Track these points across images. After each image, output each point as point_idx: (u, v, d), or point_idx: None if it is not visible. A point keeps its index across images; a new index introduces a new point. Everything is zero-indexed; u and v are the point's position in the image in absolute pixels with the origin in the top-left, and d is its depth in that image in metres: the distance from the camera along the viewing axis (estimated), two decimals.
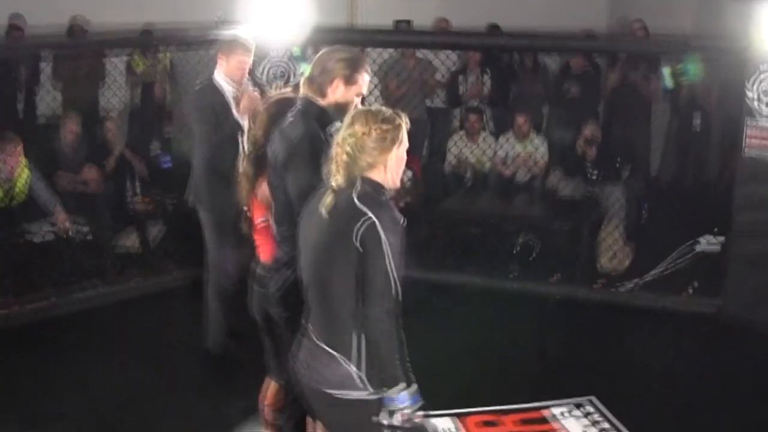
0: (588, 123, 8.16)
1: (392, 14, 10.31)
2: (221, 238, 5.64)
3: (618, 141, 8.50)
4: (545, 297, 7.02)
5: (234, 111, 5.53)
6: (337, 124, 3.82)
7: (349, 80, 3.74)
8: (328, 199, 3.04)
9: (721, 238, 7.04)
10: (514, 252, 7.49)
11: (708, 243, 7.29)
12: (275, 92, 4.22)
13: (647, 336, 6.40)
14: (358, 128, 3.07)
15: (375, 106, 3.18)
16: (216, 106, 5.49)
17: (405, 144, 3.13)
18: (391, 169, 3.09)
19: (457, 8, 10.19)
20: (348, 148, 3.05)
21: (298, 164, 3.56)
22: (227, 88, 5.56)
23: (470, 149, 8.66)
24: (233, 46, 5.57)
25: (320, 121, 3.69)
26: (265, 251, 4.07)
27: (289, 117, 3.77)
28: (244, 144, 4.40)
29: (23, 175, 7.06)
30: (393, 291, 2.95)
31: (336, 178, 3.06)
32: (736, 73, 6.62)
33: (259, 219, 4.08)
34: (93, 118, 8.68)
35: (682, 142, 9.42)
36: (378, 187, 3.07)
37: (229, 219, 5.48)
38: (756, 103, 6.25)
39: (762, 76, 6.18)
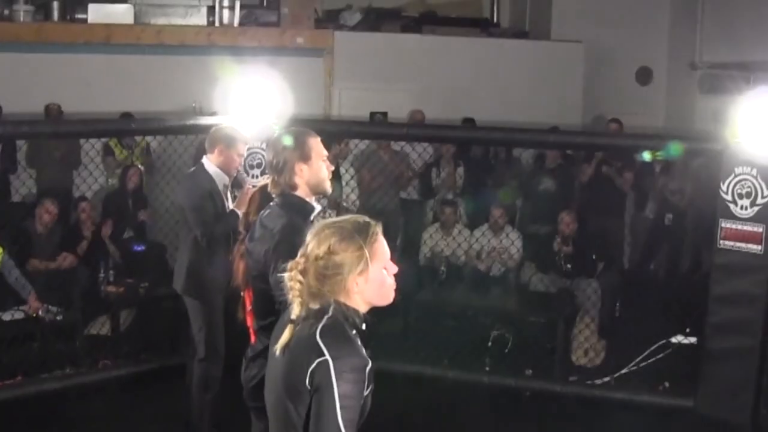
0: (564, 218, 8.15)
1: (368, 106, 10.42)
2: (210, 324, 5.56)
3: (592, 235, 8.55)
4: (519, 391, 6.95)
5: (228, 201, 5.57)
6: (317, 207, 3.82)
7: (305, 156, 3.73)
8: (284, 335, 2.67)
9: (694, 338, 7.03)
10: (488, 345, 7.44)
11: (682, 338, 7.29)
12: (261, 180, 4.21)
13: None
14: (318, 250, 2.66)
15: (340, 220, 2.75)
16: (214, 194, 5.51)
17: (382, 258, 2.71)
18: (369, 291, 2.69)
19: (432, 102, 10.35)
20: (310, 274, 2.66)
21: (278, 256, 3.42)
22: (219, 177, 5.56)
23: (445, 242, 8.68)
24: (234, 138, 5.58)
25: (301, 212, 3.68)
26: (253, 334, 4.02)
27: (269, 209, 3.75)
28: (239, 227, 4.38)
29: None
30: None
31: (295, 308, 2.67)
32: (711, 174, 6.69)
33: (250, 302, 4.04)
34: (67, 201, 8.65)
35: (655, 237, 9.49)
36: (351, 316, 2.67)
37: (219, 305, 5.46)
38: (731, 205, 6.26)
39: (738, 178, 6.22)
